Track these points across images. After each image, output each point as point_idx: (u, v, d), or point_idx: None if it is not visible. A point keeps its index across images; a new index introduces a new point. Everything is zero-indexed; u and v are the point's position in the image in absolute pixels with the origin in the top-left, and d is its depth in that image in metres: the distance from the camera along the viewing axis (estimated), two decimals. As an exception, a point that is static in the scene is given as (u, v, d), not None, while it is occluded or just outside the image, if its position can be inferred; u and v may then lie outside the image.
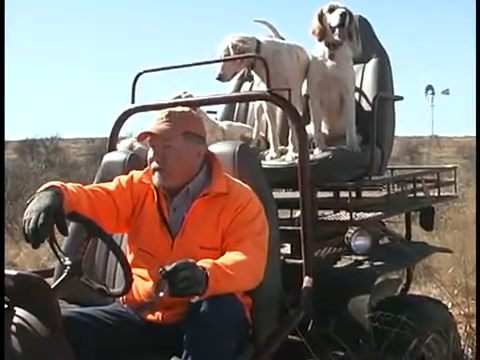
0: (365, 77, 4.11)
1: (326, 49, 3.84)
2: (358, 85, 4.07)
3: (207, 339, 2.35)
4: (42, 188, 2.49)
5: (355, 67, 4.01)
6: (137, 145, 3.88)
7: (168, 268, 2.22)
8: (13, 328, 2.22)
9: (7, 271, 2.26)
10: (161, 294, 2.22)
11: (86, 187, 2.70)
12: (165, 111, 2.74)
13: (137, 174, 2.85)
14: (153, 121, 2.75)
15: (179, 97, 3.90)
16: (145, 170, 2.82)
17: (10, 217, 9.89)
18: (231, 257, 2.52)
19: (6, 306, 2.24)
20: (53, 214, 2.35)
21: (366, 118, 3.88)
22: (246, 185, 2.79)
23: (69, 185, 2.59)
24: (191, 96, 3.90)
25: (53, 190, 2.45)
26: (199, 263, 2.33)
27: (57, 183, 2.54)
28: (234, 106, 4.63)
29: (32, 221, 2.31)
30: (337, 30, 3.75)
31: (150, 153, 2.73)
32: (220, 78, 3.72)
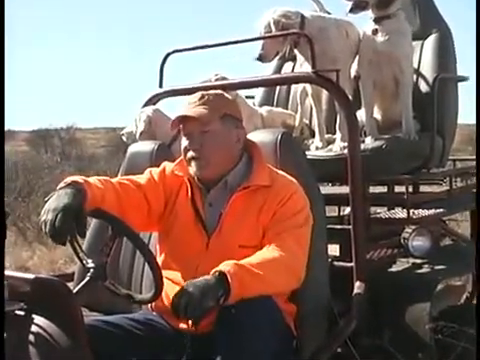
0: (424, 55, 4.08)
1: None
2: (416, 64, 4.04)
3: (241, 350, 2.35)
4: (62, 184, 2.50)
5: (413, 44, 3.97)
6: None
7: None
8: (31, 337, 2.23)
9: (23, 274, 2.29)
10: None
11: (113, 180, 2.71)
12: (197, 94, 2.74)
13: (169, 166, 2.85)
14: (185, 106, 2.75)
15: (209, 81, 3.89)
16: (178, 160, 2.83)
17: (22, 215, 9.93)
18: (262, 255, 2.52)
19: (23, 313, 2.26)
20: (73, 215, 2.37)
21: (425, 102, 3.86)
22: (291, 177, 2.78)
23: (92, 179, 2.60)
24: (225, 79, 3.90)
25: (74, 187, 2.46)
26: (219, 267, 2.36)
27: (79, 179, 2.54)
28: (274, 90, 4.64)
29: (49, 223, 2.34)
30: None
31: (184, 141, 2.73)
32: (261, 58, 3.70)
